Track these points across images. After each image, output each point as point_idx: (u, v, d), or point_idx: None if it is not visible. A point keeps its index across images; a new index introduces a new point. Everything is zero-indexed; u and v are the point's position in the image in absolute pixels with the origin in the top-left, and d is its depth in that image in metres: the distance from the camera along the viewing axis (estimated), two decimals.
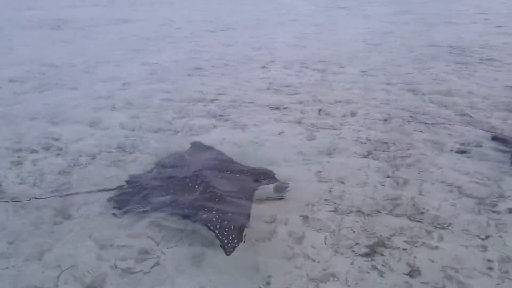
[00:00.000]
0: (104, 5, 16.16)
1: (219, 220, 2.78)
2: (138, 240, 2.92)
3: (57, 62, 7.85)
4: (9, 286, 2.52)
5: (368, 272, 2.58)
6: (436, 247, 2.78)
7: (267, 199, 3.34)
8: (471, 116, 4.95)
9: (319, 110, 5.23)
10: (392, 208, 3.22)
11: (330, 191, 3.47)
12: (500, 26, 10.32)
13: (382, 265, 2.64)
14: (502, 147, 4.13)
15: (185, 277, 2.58)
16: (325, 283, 2.51)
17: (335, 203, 3.30)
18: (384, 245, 2.81)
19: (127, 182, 3.54)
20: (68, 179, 3.74)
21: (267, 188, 3.41)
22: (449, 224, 3.01)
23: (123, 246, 2.87)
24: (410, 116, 5.00)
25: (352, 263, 2.66)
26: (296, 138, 4.52)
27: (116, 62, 7.88)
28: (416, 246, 2.79)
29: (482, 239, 2.85)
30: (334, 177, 3.70)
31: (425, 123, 4.77)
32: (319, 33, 10.29)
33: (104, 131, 4.82)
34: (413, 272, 2.57)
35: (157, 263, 2.71)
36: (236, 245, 2.59)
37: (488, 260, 2.65)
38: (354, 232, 2.96)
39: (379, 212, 3.18)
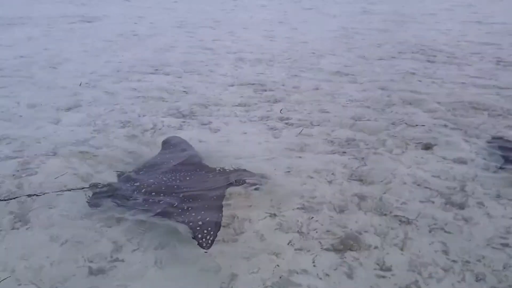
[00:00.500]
0: (68, 2, 15.68)
1: (192, 217, 2.75)
2: (101, 241, 2.81)
3: (18, 60, 7.54)
4: None
5: (336, 269, 2.57)
6: (404, 243, 2.79)
7: (240, 194, 3.31)
8: (437, 112, 5.04)
9: (281, 110, 5.20)
10: (360, 204, 3.22)
11: (298, 188, 3.45)
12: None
13: (351, 261, 2.64)
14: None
15: (146, 279, 2.50)
16: (291, 280, 2.47)
17: (303, 200, 3.28)
18: (353, 241, 2.81)
19: (95, 184, 3.42)
20: (25, 180, 3.57)
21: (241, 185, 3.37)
22: (415, 220, 3.03)
23: (84, 247, 2.75)
24: (379, 113, 5.05)
25: (319, 260, 2.64)
26: (263, 136, 4.49)
27: (81, 60, 7.64)
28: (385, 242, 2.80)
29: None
30: (302, 174, 3.68)
31: (392, 123, 4.81)
32: (287, 32, 10.29)
33: (67, 129, 4.64)
34: (383, 268, 2.57)
35: (118, 266, 2.61)
36: (212, 239, 2.55)
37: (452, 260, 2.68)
38: (322, 228, 2.94)
39: (347, 208, 3.17)
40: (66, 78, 6.53)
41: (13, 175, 3.65)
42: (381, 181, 3.56)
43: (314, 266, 2.60)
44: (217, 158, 3.87)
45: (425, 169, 3.76)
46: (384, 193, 3.39)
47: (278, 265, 2.59)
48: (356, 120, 4.87)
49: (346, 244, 2.79)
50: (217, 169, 3.51)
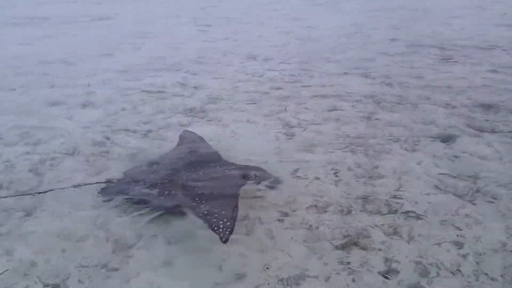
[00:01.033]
0: (73, 1, 15.86)
1: (208, 209, 2.76)
2: (113, 235, 2.84)
3: (32, 59, 7.66)
4: None
5: (344, 267, 2.55)
6: (413, 239, 2.77)
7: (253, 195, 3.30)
8: (453, 107, 4.99)
9: (286, 107, 5.18)
10: (370, 201, 3.20)
11: (307, 187, 3.43)
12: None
13: (360, 260, 2.61)
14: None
15: (155, 273, 2.52)
16: (299, 280, 2.47)
17: (312, 198, 3.26)
18: (362, 239, 2.79)
19: (110, 179, 3.47)
20: (41, 175, 3.64)
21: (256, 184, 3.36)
22: (425, 216, 3.01)
23: (94, 241, 2.79)
24: (391, 109, 5.01)
25: (328, 259, 2.62)
26: (274, 133, 4.48)
27: (93, 59, 7.74)
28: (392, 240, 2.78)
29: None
30: (311, 172, 3.66)
31: (405, 119, 4.77)
32: (299, 28, 10.27)
33: (81, 125, 4.71)
34: (390, 268, 2.56)
35: (128, 260, 2.63)
36: (230, 231, 2.54)
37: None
38: (332, 226, 2.93)
39: (357, 206, 3.15)
40: (80, 76, 6.62)
41: (30, 170, 3.72)
42: (393, 178, 3.52)
43: (323, 264, 2.59)
44: (227, 154, 3.88)
45: (438, 165, 3.71)
46: (396, 190, 3.36)
47: (287, 262, 2.59)
48: (368, 116, 4.84)
49: (356, 242, 2.77)
50: (233, 165, 3.49)
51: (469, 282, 2.42)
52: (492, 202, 3.17)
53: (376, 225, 2.94)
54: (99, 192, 3.26)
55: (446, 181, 3.47)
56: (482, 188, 3.34)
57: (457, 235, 2.81)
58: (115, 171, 3.68)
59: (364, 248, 2.71)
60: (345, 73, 6.58)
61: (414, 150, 4.02)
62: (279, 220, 3.01)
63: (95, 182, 3.44)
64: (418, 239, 2.79)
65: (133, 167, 3.68)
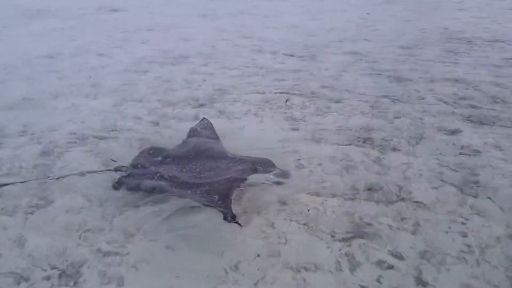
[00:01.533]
0: None
1: (210, 197, 2.88)
2: (117, 224, 2.91)
3: (40, 51, 7.75)
4: None
5: (348, 257, 2.60)
6: (418, 231, 2.81)
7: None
8: (458, 100, 4.99)
9: (286, 101, 5.18)
10: (373, 193, 3.24)
11: (312, 178, 3.46)
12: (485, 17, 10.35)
13: (364, 249, 2.65)
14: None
15: (157, 262, 2.59)
16: (302, 270, 2.52)
17: (317, 188, 3.30)
18: (364, 230, 2.83)
19: (119, 167, 3.53)
20: (48, 166, 3.71)
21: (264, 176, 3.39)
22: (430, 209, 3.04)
23: (101, 230, 2.86)
24: (398, 102, 5.02)
25: (330, 249, 2.67)
26: (280, 125, 4.51)
27: (102, 51, 7.80)
28: (398, 230, 2.82)
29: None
30: (317, 163, 3.69)
31: (411, 112, 4.78)
32: (307, 22, 10.25)
33: (89, 117, 4.78)
34: (395, 256, 2.60)
35: (131, 248, 2.69)
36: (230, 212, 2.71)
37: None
38: (334, 216, 2.97)
39: (361, 197, 3.19)
40: (90, 68, 6.70)
41: (37, 160, 3.79)
42: (397, 170, 3.55)
43: (326, 253, 2.63)
44: (233, 145, 3.92)
45: (443, 158, 3.73)
46: (401, 181, 3.38)
47: (289, 251, 2.64)
48: (373, 109, 4.85)
49: (360, 232, 2.81)
50: (245, 159, 3.53)
51: (472, 270, 2.46)
52: (494, 195, 3.19)
53: (380, 215, 2.98)
54: (114, 183, 3.33)
55: (450, 173, 3.49)
56: (485, 181, 3.36)
57: (460, 226, 2.84)
58: (123, 160, 3.73)
59: (368, 238, 2.75)
60: (352, 66, 6.57)
61: (418, 143, 4.04)
62: (282, 209, 3.05)
63: (104, 169, 3.50)
64: (423, 229, 2.82)
65: (142, 156, 3.73)
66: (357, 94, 5.35)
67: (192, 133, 4.11)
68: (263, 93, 5.48)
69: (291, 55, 7.30)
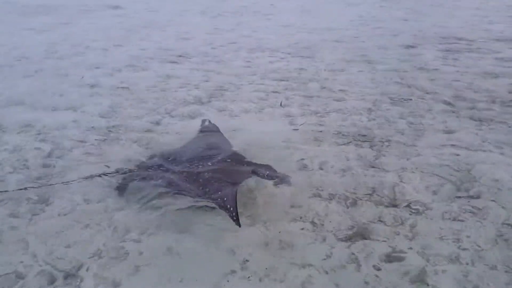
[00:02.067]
0: None
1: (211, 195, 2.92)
2: (119, 224, 2.92)
3: (42, 49, 7.75)
4: None
5: (347, 259, 2.62)
6: (414, 232, 2.84)
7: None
8: (456, 100, 5.03)
9: (281, 102, 5.16)
10: (372, 194, 3.26)
11: (312, 178, 3.49)
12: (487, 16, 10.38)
13: (364, 251, 2.67)
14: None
15: (161, 263, 2.61)
16: (303, 269, 2.54)
17: (317, 190, 3.33)
18: (364, 232, 2.85)
19: (120, 169, 3.53)
20: (51, 166, 3.73)
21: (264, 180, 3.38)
22: (426, 209, 3.07)
23: (103, 230, 2.87)
24: (394, 103, 5.05)
25: (332, 250, 2.69)
26: (280, 124, 4.54)
27: (102, 49, 7.81)
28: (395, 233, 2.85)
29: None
30: (316, 163, 3.72)
31: (409, 112, 4.82)
32: (306, 21, 10.26)
33: (89, 116, 4.78)
34: (394, 257, 2.63)
35: (135, 248, 2.70)
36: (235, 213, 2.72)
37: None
38: (336, 218, 2.99)
39: (360, 198, 3.21)
40: (88, 66, 6.70)
41: (39, 159, 3.80)
42: (396, 170, 3.57)
43: (326, 255, 2.65)
44: (234, 145, 3.94)
45: (441, 157, 3.76)
46: (399, 182, 3.41)
47: (292, 253, 2.66)
48: (373, 108, 4.89)
49: (360, 233, 2.83)
50: (246, 161, 3.54)
51: (468, 270, 2.49)
52: (492, 193, 3.22)
53: (380, 216, 3.00)
54: (117, 185, 3.33)
55: (448, 172, 3.52)
56: (483, 180, 3.39)
57: (457, 226, 2.87)
58: (123, 161, 3.76)
59: (368, 239, 2.77)
60: (352, 65, 6.60)
61: (417, 142, 4.07)
62: (284, 212, 3.07)
63: (103, 173, 3.49)
64: (421, 230, 2.84)
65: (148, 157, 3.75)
66: (356, 93, 5.38)
67: (199, 134, 4.13)
68: (263, 91, 5.50)
69: (291, 54, 7.32)
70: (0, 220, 2.99)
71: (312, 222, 2.95)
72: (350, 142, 4.12)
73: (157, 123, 4.61)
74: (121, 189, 3.28)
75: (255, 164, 3.50)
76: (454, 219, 2.95)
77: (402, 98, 5.19)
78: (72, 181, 3.42)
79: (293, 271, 2.51)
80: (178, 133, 4.26)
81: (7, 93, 5.50)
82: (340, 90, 5.53)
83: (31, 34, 8.92)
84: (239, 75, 6.24)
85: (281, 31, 9.13)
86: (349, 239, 2.78)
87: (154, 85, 5.82)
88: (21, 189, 3.32)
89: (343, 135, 4.27)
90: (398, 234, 2.81)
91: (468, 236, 2.78)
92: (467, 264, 2.55)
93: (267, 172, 3.41)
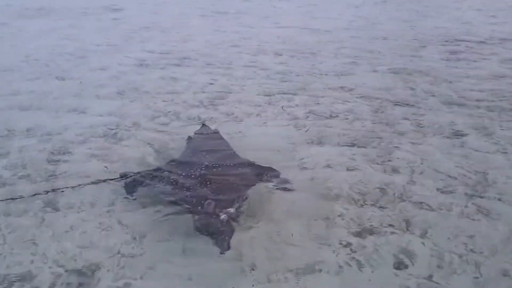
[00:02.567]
0: None
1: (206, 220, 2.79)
2: (126, 229, 2.93)
3: (42, 52, 7.75)
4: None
5: (356, 258, 2.63)
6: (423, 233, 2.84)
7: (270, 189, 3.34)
8: (460, 102, 5.04)
9: (282, 106, 5.14)
10: (381, 194, 3.27)
11: (315, 179, 3.49)
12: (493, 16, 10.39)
13: (372, 252, 2.68)
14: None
15: (171, 266, 2.61)
16: (310, 272, 2.54)
17: (322, 190, 3.33)
18: (371, 233, 2.85)
19: (125, 173, 3.51)
20: (55, 169, 3.73)
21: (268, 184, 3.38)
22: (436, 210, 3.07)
23: (109, 233, 2.89)
24: (398, 104, 5.06)
25: (338, 252, 2.69)
26: (284, 127, 4.54)
27: (104, 52, 7.81)
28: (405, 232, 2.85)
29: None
30: (320, 165, 3.72)
31: (413, 113, 4.82)
32: (308, 22, 10.26)
33: (93, 119, 4.79)
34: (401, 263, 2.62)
35: (141, 253, 2.71)
36: (228, 244, 2.60)
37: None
38: (342, 220, 2.99)
39: (368, 198, 3.22)
40: (91, 70, 6.70)
41: (43, 165, 3.80)
42: (402, 172, 3.58)
43: (335, 255, 2.66)
44: (238, 148, 3.94)
45: (446, 160, 3.76)
46: (406, 183, 3.41)
47: (298, 254, 2.66)
48: (377, 110, 4.89)
49: (367, 234, 2.84)
50: (249, 164, 3.50)
51: (480, 274, 2.50)
52: (500, 196, 3.22)
53: (386, 217, 3.00)
54: (123, 187, 3.32)
55: (455, 175, 3.52)
56: (490, 182, 3.40)
57: (467, 228, 2.88)
58: (128, 164, 3.76)
59: (376, 240, 2.78)
60: (354, 67, 6.60)
61: (422, 144, 4.07)
62: (288, 213, 3.08)
63: (112, 179, 3.47)
64: (430, 231, 2.85)
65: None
66: (360, 95, 5.38)
67: (197, 139, 4.10)
68: (266, 94, 5.50)
69: (293, 56, 7.32)
70: (9, 223, 3.00)
71: (317, 223, 2.95)
72: (355, 143, 4.12)
73: (161, 126, 4.61)
74: (129, 189, 3.27)
75: (258, 166, 3.49)
76: (464, 221, 2.95)
77: (406, 100, 5.19)
78: (79, 185, 3.41)
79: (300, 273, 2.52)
80: (183, 136, 4.26)
81: (11, 96, 5.50)
82: (343, 91, 5.53)
83: (33, 37, 8.92)
84: (243, 77, 6.24)
85: (283, 33, 9.13)
86: (356, 239, 2.78)
87: (158, 88, 5.82)
88: (33, 195, 3.32)
89: (348, 136, 4.27)
90: (406, 234, 2.81)
91: (478, 239, 2.77)
92: (477, 265, 2.55)
93: (270, 175, 3.41)
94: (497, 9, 11.15)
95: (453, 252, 2.67)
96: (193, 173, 3.28)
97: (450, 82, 5.77)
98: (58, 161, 3.86)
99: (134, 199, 3.19)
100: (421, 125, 4.48)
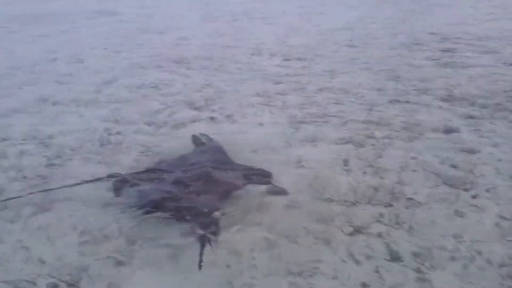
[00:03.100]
0: None
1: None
2: (118, 231, 2.92)
3: (39, 57, 7.77)
4: None
5: (351, 256, 2.63)
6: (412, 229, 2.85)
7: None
8: (453, 99, 5.06)
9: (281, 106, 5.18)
10: (372, 193, 3.28)
11: (312, 179, 3.49)
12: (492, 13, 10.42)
13: (364, 249, 2.69)
14: None
15: (160, 271, 2.60)
16: (310, 271, 2.54)
17: (315, 190, 3.34)
18: (367, 231, 2.85)
19: (113, 174, 3.54)
20: (51, 173, 3.74)
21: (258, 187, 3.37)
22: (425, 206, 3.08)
23: (102, 237, 2.88)
24: (393, 102, 5.08)
25: (335, 250, 2.70)
26: (280, 128, 4.55)
27: (101, 55, 7.84)
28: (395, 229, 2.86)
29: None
30: (316, 165, 3.73)
31: (406, 111, 4.84)
32: (304, 23, 10.30)
33: (89, 123, 4.80)
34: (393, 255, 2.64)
35: (133, 256, 2.69)
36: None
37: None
38: (338, 218, 3.00)
39: (358, 199, 3.23)
40: (88, 74, 6.72)
41: (39, 167, 3.82)
42: (395, 170, 3.59)
43: (331, 253, 2.67)
44: (233, 149, 3.96)
45: (438, 156, 3.78)
46: (398, 181, 3.43)
47: (294, 254, 2.67)
48: (371, 109, 4.91)
49: (360, 232, 2.85)
50: (240, 168, 3.53)
51: (467, 267, 2.51)
52: (490, 190, 3.24)
53: (379, 215, 3.02)
54: (112, 188, 3.34)
55: (446, 171, 3.54)
56: (481, 178, 3.42)
57: (456, 223, 2.89)
58: (123, 166, 3.77)
59: (367, 237, 2.79)
60: (349, 67, 6.63)
61: (415, 142, 4.09)
62: (284, 211, 3.09)
63: (101, 177, 3.50)
64: (419, 227, 2.86)
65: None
66: (355, 95, 5.40)
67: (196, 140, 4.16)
68: (262, 95, 5.52)
69: (289, 57, 7.34)
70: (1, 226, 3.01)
71: (313, 222, 2.97)
72: (349, 142, 4.13)
73: (157, 129, 4.62)
74: (117, 190, 3.29)
75: (249, 168, 3.51)
76: (452, 216, 2.97)
77: (399, 98, 5.21)
78: (70, 185, 3.43)
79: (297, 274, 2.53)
80: (178, 139, 4.27)
81: (8, 101, 5.52)
82: (339, 91, 5.55)
83: (30, 42, 8.95)
84: (239, 79, 6.26)
85: (279, 34, 9.16)
86: (349, 237, 2.79)
87: (155, 90, 5.84)
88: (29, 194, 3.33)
89: (343, 136, 4.28)
90: (396, 231, 2.83)
91: (466, 233, 2.79)
92: (465, 259, 2.56)
93: (262, 177, 3.42)
94: (493, 7, 11.18)
95: (440, 245, 2.68)
96: (181, 175, 3.30)
97: (445, 79, 5.79)
98: (54, 165, 3.86)
99: (122, 200, 3.19)
100: (414, 123, 4.49)
